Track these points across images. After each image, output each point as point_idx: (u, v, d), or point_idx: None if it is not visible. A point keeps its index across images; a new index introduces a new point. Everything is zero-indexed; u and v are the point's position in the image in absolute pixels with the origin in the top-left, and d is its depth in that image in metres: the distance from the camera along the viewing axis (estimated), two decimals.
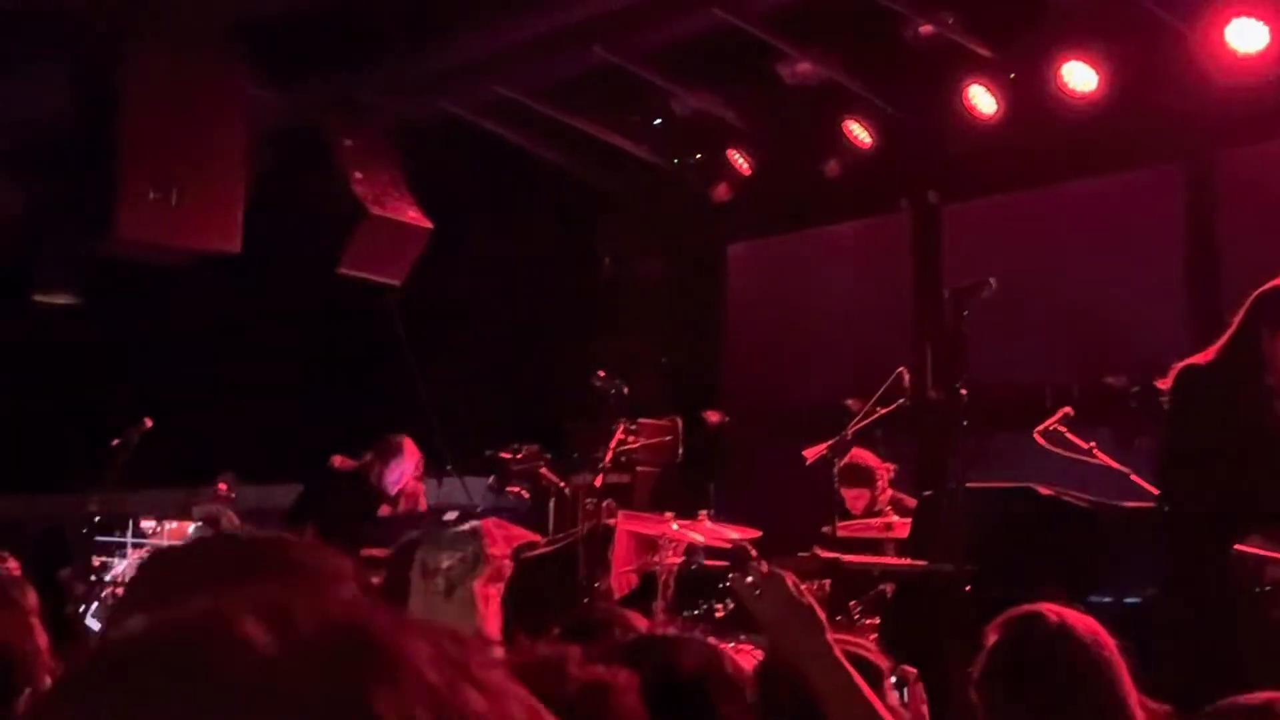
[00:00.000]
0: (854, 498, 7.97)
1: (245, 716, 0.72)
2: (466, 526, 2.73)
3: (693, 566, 7.44)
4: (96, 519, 8.14)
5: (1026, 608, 2.91)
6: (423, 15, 9.16)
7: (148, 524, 8.42)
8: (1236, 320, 5.27)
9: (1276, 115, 8.12)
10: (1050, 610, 2.86)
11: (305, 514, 8.39)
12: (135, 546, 8.46)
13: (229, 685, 0.73)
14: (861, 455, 7.95)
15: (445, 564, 2.66)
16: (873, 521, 7.64)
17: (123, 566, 8.28)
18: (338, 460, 8.78)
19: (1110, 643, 2.82)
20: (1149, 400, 8.21)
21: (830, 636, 2.66)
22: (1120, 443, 7.64)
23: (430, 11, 9.13)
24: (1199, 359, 5.28)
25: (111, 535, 8.28)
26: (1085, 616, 2.86)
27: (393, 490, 8.62)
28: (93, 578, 8.13)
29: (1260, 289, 5.32)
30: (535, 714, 0.79)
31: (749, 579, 2.70)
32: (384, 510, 8.70)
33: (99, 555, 8.30)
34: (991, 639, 2.90)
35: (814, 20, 8.92)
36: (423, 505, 8.84)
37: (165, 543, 8.61)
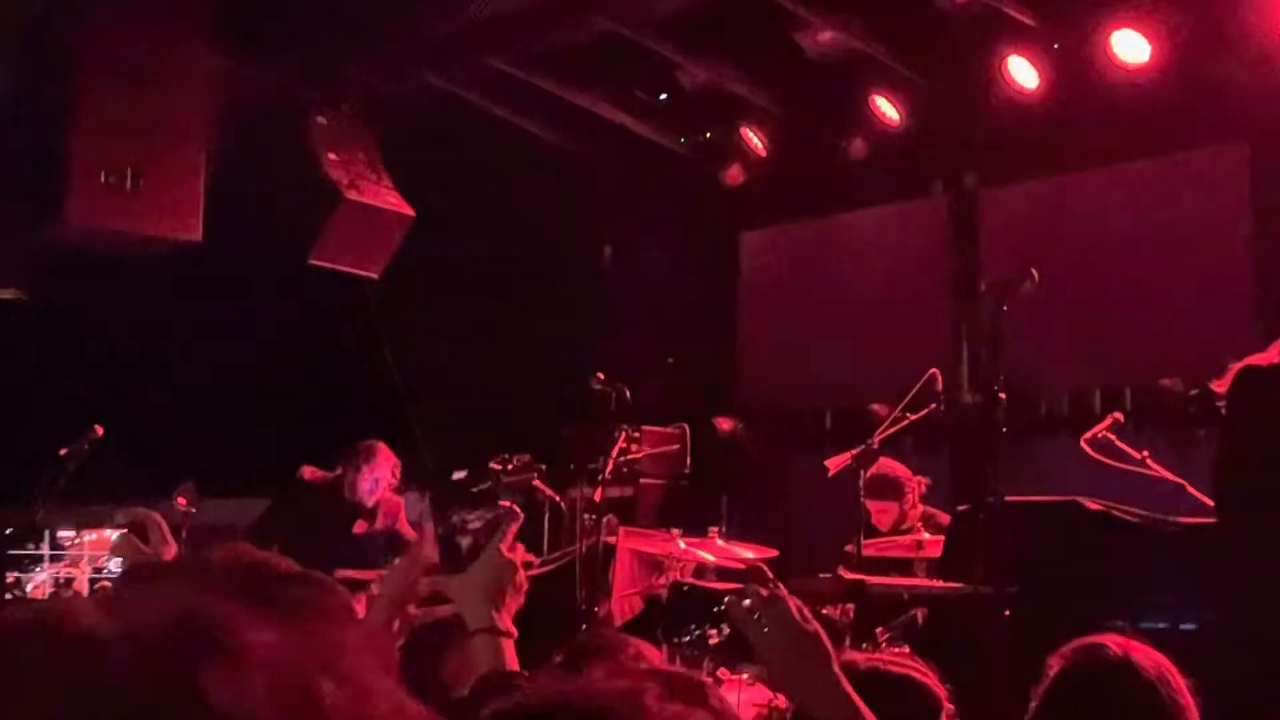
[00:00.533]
0: (880, 511, 7.94)
1: (74, 698, 0.81)
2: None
3: (684, 588, 7.41)
4: (8, 531, 8.13)
5: (1090, 639, 2.91)
6: None
7: (65, 534, 8.41)
8: None
9: None
10: (1115, 643, 2.85)
11: (272, 531, 8.36)
12: (53, 559, 8.46)
13: (58, 671, 0.82)
14: (889, 465, 7.92)
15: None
16: (901, 539, 7.60)
17: (41, 579, 8.27)
18: (308, 471, 8.74)
19: (1179, 682, 2.81)
20: (1208, 405, 8.20)
21: (854, 656, 2.64)
22: (1176, 452, 7.61)
23: None
24: (1261, 359, 5.25)
25: (25, 548, 8.28)
26: (1152, 651, 2.85)
27: (369, 501, 8.57)
28: (6, 595, 8.13)
29: None
30: (400, 710, 0.87)
31: (746, 602, 2.67)
32: (360, 526, 8.67)
33: (12, 570, 8.32)
34: (1054, 669, 2.90)
35: None
36: (403, 520, 8.80)
37: (85, 554, 8.60)
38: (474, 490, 8.53)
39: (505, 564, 2.73)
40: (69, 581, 8.78)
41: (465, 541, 2.55)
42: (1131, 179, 9.12)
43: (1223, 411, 5.35)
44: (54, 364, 10.66)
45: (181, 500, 8.83)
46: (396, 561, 2.85)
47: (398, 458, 8.73)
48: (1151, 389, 8.56)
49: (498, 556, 2.72)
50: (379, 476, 8.58)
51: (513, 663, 2.68)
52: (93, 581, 8.71)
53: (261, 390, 10.71)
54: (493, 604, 2.68)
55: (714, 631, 7.04)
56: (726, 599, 2.76)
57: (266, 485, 9.33)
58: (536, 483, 9.12)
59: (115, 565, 2.58)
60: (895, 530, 7.95)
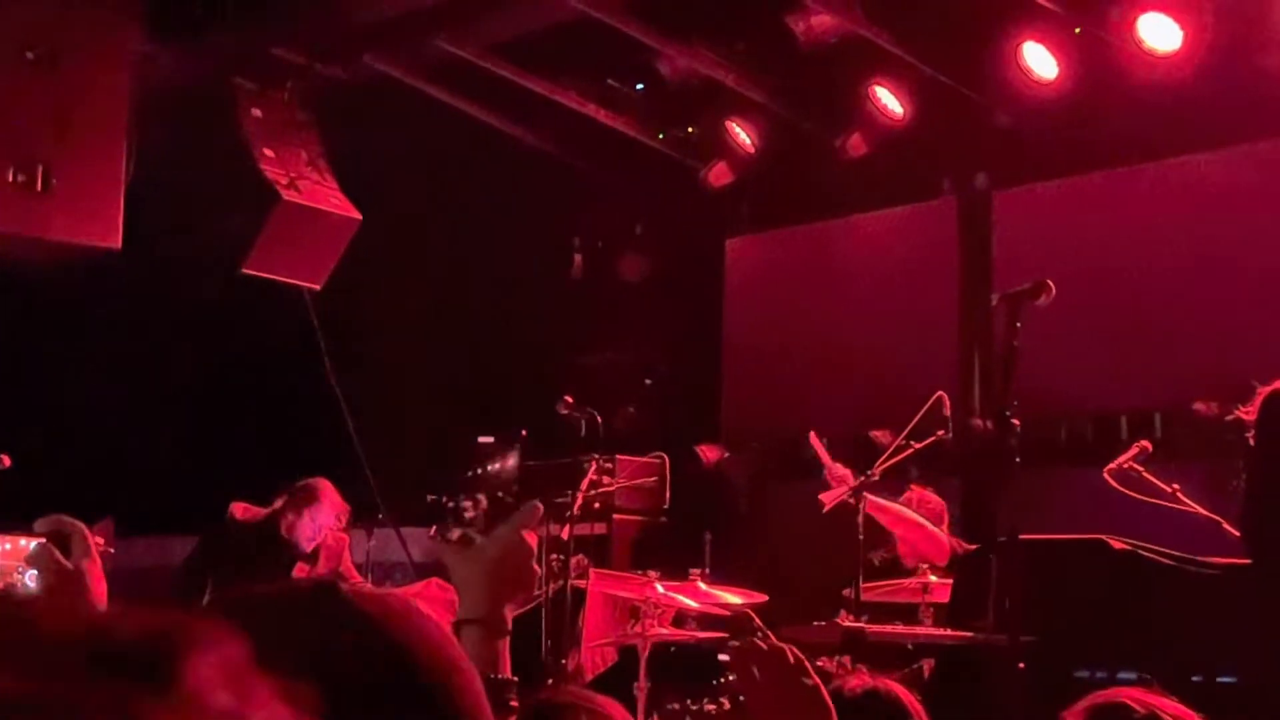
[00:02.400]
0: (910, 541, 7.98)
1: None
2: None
3: (671, 647, 7.45)
4: None
5: (1108, 695, 2.90)
6: None
7: None
8: None
9: None
10: (1136, 700, 2.85)
11: (198, 576, 8.32)
12: None
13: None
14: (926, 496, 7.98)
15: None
16: (906, 582, 7.61)
17: None
18: (239, 509, 8.69)
19: None
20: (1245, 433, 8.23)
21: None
22: (1212, 484, 7.63)
23: None
24: None
25: None
26: (1181, 708, 2.85)
27: (308, 546, 8.54)
28: None
29: None
30: None
31: (753, 653, 2.70)
32: (300, 570, 8.64)
33: None
34: None
35: None
36: (348, 564, 8.77)
37: None
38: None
39: (520, 546, 2.51)
40: None
41: (455, 534, 2.46)
42: (1161, 180, 9.17)
43: (1250, 438, 5.38)
44: None
45: (99, 540, 8.79)
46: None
47: (344, 508, 8.70)
48: (1184, 414, 8.59)
49: (513, 536, 2.50)
50: (321, 523, 8.54)
51: (506, 667, 2.50)
52: None
53: (187, 418, 10.68)
54: (497, 593, 2.47)
55: (712, 706, 7.10)
56: (731, 645, 2.78)
57: (191, 522, 9.31)
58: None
59: (30, 579, 2.53)
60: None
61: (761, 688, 2.68)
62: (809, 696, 2.66)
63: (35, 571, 2.64)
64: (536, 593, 8.31)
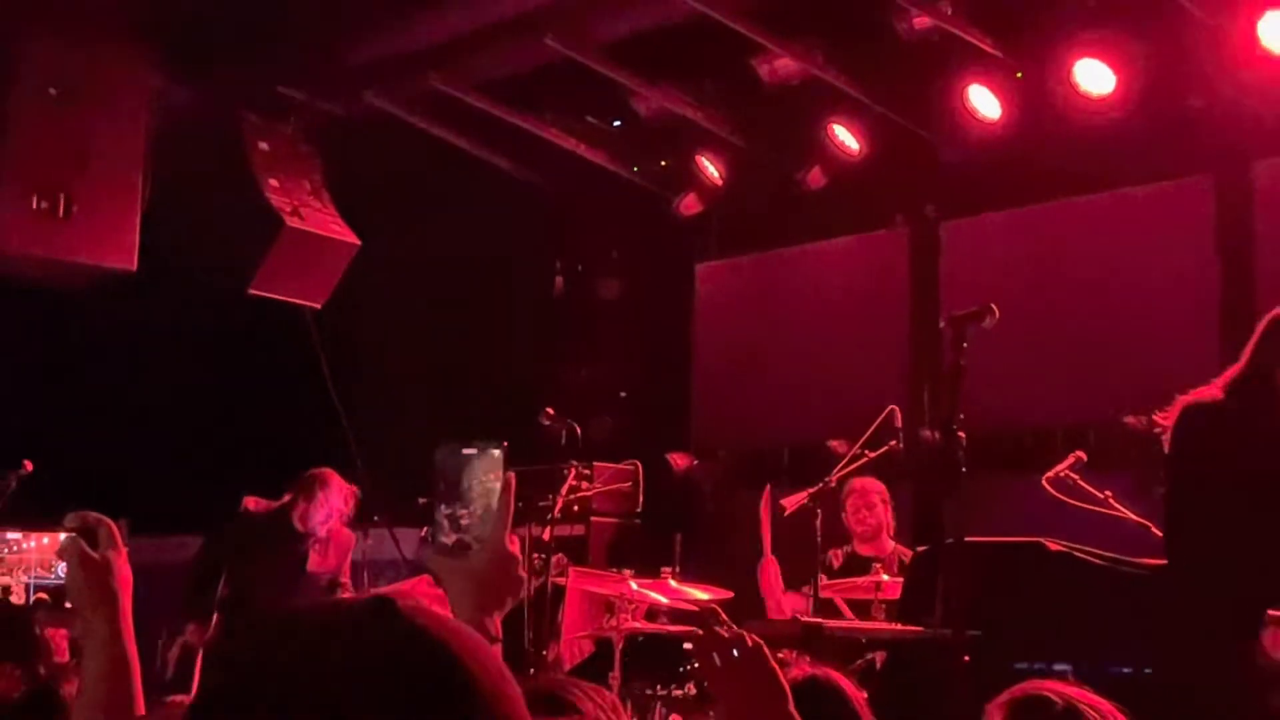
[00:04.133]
0: (862, 521, 8.00)
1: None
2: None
3: (640, 638, 7.44)
4: None
5: (1030, 687, 2.88)
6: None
7: (13, 536, 8.35)
8: (1247, 351, 5.31)
9: None
10: (1055, 692, 2.83)
11: (212, 566, 8.28)
12: None
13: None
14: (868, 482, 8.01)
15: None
16: (860, 581, 7.62)
17: None
18: (251, 502, 8.64)
19: None
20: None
21: (791, 707, 2.66)
22: (1142, 491, 7.65)
23: None
24: (1204, 394, 5.31)
25: None
26: (1100, 700, 2.83)
27: (322, 530, 8.46)
28: None
29: (1272, 314, 5.37)
30: None
31: (715, 641, 2.70)
32: (313, 560, 8.58)
33: None
34: (994, 718, 2.87)
35: (795, 10, 8.95)
36: (348, 561, 8.74)
37: (30, 560, 8.52)
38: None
39: (507, 558, 2.42)
40: (5, 590, 8.70)
41: (451, 540, 2.38)
42: (1096, 211, 9.19)
43: (1165, 449, 5.41)
44: None
45: None
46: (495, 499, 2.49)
47: (353, 493, 8.64)
48: (1115, 426, 8.60)
49: (500, 549, 2.41)
50: (333, 507, 8.48)
51: None
52: (33, 589, 8.62)
53: (196, 425, 10.65)
54: (485, 604, 2.39)
55: (680, 690, 7.10)
56: (690, 640, 2.78)
57: (198, 523, 9.27)
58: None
59: (62, 571, 2.51)
60: (875, 537, 7.99)
61: (722, 673, 2.69)
62: (766, 679, 2.67)
63: (64, 563, 2.63)
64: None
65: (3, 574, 8.93)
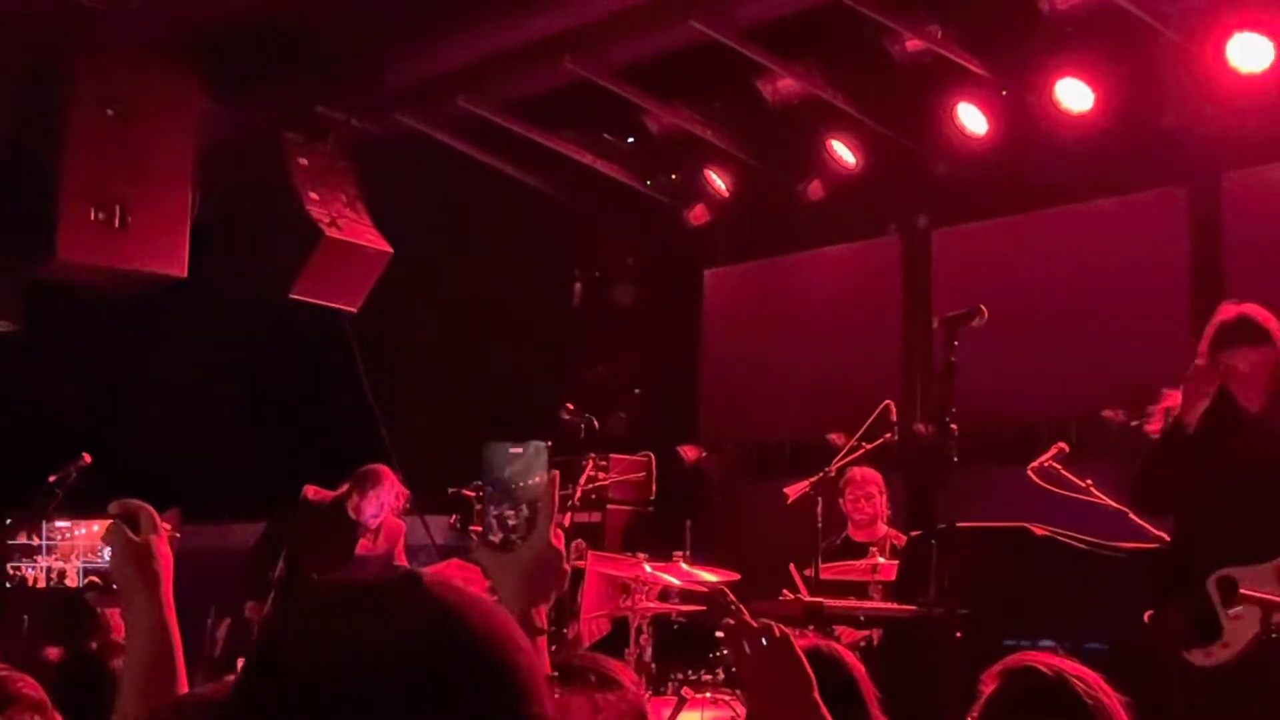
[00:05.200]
0: (860, 509, 7.99)
1: None
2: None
3: (674, 625, 7.47)
4: (7, 521, 8.16)
5: (1021, 658, 2.88)
6: (383, 26, 9.16)
7: (62, 524, 8.42)
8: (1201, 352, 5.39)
9: None
10: (1045, 664, 2.83)
11: (272, 548, 8.31)
12: (48, 550, 8.46)
13: None
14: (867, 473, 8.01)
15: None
16: (858, 564, 7.63)
17: (32, 571, 8.29)
18: (311, 491, 8.67)
19: (1113, 700, 2.79)
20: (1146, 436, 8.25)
21: (816, 694, 2.65)
22: (1119, 481, 7.64)
23: (391, 22, 9.13)
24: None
25: (21, 540, 8.32)
26: (1085, 670, 2.83)
27: (372, 523, 8.52)
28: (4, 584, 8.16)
29: (1217, 317, 5.42)
30: None
31: (744, 630, 2.69)
32: (363, 545, 8.62)
33: (9, 561, 8.34)
34: (986, 690, 2.88)
35: (796, 34, 8.95)
36: (402, 546, 8.76)
37: (79, 546, 8.59)
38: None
39: (551, 553, 2.36)
40: (60, 574, 8.76)
41: (498, 538, 2.34)
42: (1076, 220, 9.18)
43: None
44: (42, 395, 10.61)
45: (167, 526, 8.78)
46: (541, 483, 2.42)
47: (403, 492, 8.69)
48: (1095, 420, 8.60)
49: (544, 544, 2.35)
50: (384, 501, 8.55)
51: (546, 663, 2.36)
52: (85, 572, 8.67)
53: (244, 420, 10.67)
54: (531, 597, 2.34)
55: (709, 676, 7.12)
56: (725, 623, 2.75)
57: (249, 512, 9.29)
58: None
59: (107, 555, 2.51)
60: (872, 524, 7.99)
61: (751, 660, 2.67)
62: (792, 667, 2.65)
63: (109, 548, 2.64)
64: None
65: (57, 559, 8.99)
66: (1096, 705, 2.76)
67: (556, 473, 2.40)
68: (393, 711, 1.23)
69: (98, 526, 8.00)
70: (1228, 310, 5.50)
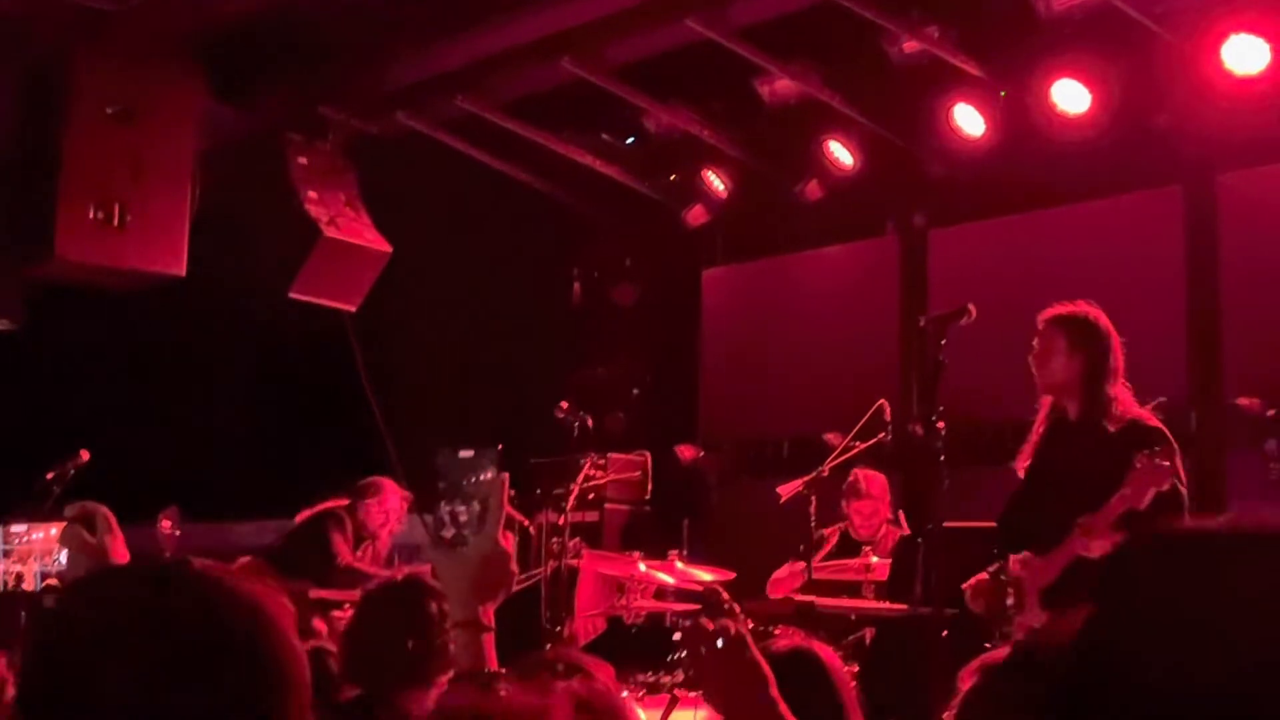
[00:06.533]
0: (868, 524, 7.96)
1: None
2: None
3: (633, 628, 7.47)
4: None
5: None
6: (384, 26, 9.15)
7: (17, 529, 8.43)
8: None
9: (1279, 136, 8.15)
10: None
11: (289, 553, 8.34)
12: (4, 554, 8.46)
13: None
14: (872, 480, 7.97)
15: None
16: (851, 563, 7.61)
17: None
18: (319, 502, 8.74)
19: None
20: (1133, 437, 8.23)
21: (774, 691, 2.65)
22: None
23: (390, 23, 9.12)
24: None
25: None
26: None
27: (381, 532, 8.59)
28: None
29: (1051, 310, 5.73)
30: None
31: (700, 632, 2.70)
32: (365, 550, 8.65)
33: None
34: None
35: (794, 35, 8.93)
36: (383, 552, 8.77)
37: (36, 550, 8.59)
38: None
39: (499, 554, 2.44)
40: (18, 578, 8.75)
41: (449, 534, 2.39)
42: (1072, 220, 9.16)
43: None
44: (42, 392, 10.61)
45: (166, 524, 8.80)
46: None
47: (406, 498, 8.70)
48: None
49: (492, 545, 2.43)
50: (390, 508, 8.60)
51: (492, 660, 2.47)
52: (42, 576, 8.68)
53: (243, 419, 10.66)
54: (480, 596, 2.42)
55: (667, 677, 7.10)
56: (683, 625, 2.78)
57: (249, 510, 9.29)
58: (506, 507, 9.07)
59: (64, 559, 2.52)
60: (876, 530, 7.96)
61: (707, 661, 2.69)
62: (748, 667, 2.67)
63: (65, 549, 2.64)
64: (536, 571, 8.30)
65: (15, 563, 8.98)
66: None
67: (506, 476, 2.46)
68: (125, 686, 1.26)
69: (55, 530, 8.00)
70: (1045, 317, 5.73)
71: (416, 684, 3.51)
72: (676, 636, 7.10)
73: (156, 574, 1.37)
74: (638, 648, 7.61)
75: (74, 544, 2.57)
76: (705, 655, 2.67)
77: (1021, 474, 5.67)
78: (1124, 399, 5.40)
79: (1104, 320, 5.50)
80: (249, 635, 1.32)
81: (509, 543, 2.50)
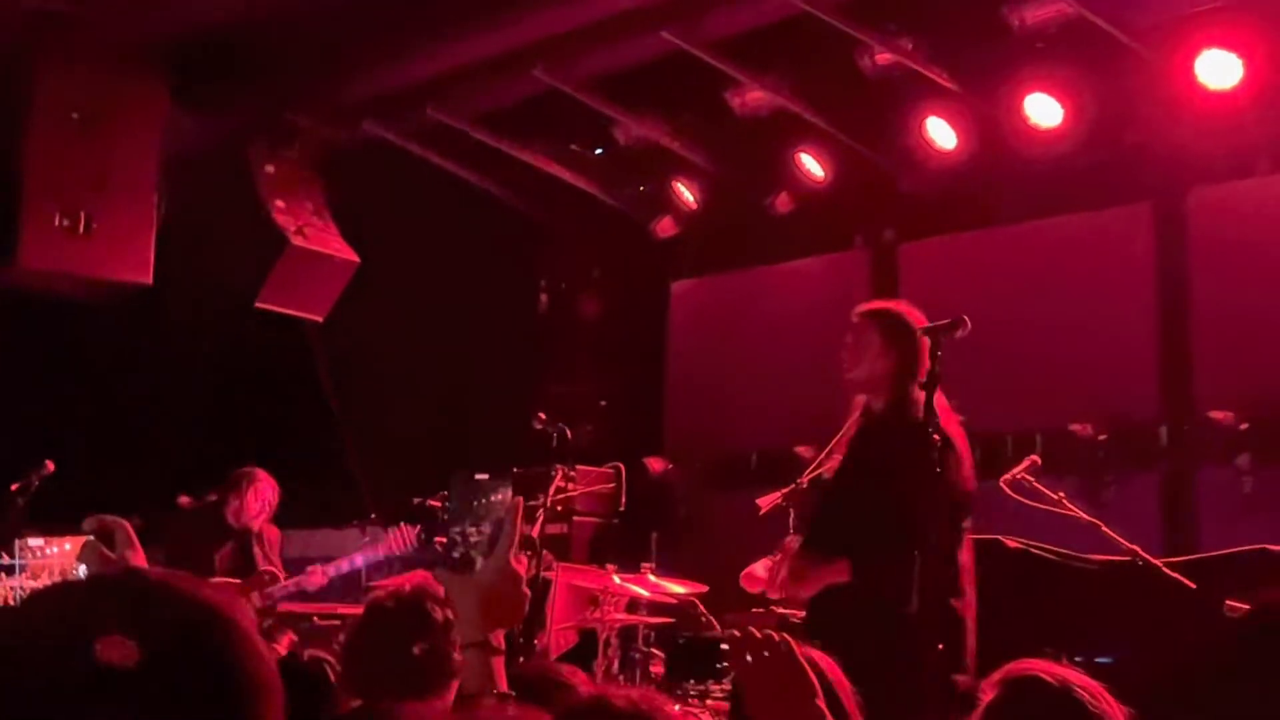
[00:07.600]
0: None
1: None
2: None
3: (680, 640, 7.45)
4: None
5: (1023, 667, 2.81)
6: (352, 35, 9.08)
7: (35, 543, 8.31)
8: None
9: (1251, 151, 8.20)
10: (1049, 672, 2.76)
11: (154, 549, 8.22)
12: (20, 570, 8.33)
13: None
14: None
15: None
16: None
17: (11, 585, 8.17)
18: (184, 500, 8.67)
19: (1117, 713, 2.72)
20: (1116, 449, 8.27)
21: (821, 702, 2.61)
22: (1086, 494, 7.64)
23: (359, 32, 9.05)
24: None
25: None
26: (1089, 681, 2.76)
27: (256, 524, 8.53)
28: None
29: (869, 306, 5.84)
30: None
31: (749, 641, 2.66)
32: (234, 548, 8.60)
33: None
34: (985, 698, 2.80)
35: (765, 47, 8.92)
36: (278, 554, 8.72)
37: (53, 565, 8.47)
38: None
39: (511, 576, 2.41)
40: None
41: (458, 554, 2.34)
42: (1044, 235, 9.16)
43: None
44: (6, 402, 10.45)
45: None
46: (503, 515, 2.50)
47: (279, 489, 8.65)
48: (1061, 434, 8.59)
49: (504, 566, 2.40)
50: (265, 499, 8.54)
51: (502, 682, 2.43)
52: None
53: (207, 428, 10.54)
54: (491, 618, 2.39)
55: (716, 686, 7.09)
56: (730, 634, 2.75)
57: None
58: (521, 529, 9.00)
59: (83, 572, 2.45)
60: None
61: (754, 670, 2.65)
62: (795, 677, 2.63)
63: (84, 565, 2.57)
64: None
65: (29, 578, 8.83)
66: (1101, 718, 2.69)
67: (520, 500, 2.43)
68: (91, 699, 1.24)
69: (70, 545, 7.89)
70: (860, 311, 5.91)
71: (421, 694, 3.44)
72: (724, 646, 7.09)
73: (115, 583, 1.35)
74: (687, 657, 7.63)
75: (93, 560, 2.50)
76: (752, 664, 2.63)
77: (829, 474, 5.88)
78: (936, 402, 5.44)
79: (916, 319, 5.52)
80: (216, 642, 1.30)
81: (522, 566, 2.46)
